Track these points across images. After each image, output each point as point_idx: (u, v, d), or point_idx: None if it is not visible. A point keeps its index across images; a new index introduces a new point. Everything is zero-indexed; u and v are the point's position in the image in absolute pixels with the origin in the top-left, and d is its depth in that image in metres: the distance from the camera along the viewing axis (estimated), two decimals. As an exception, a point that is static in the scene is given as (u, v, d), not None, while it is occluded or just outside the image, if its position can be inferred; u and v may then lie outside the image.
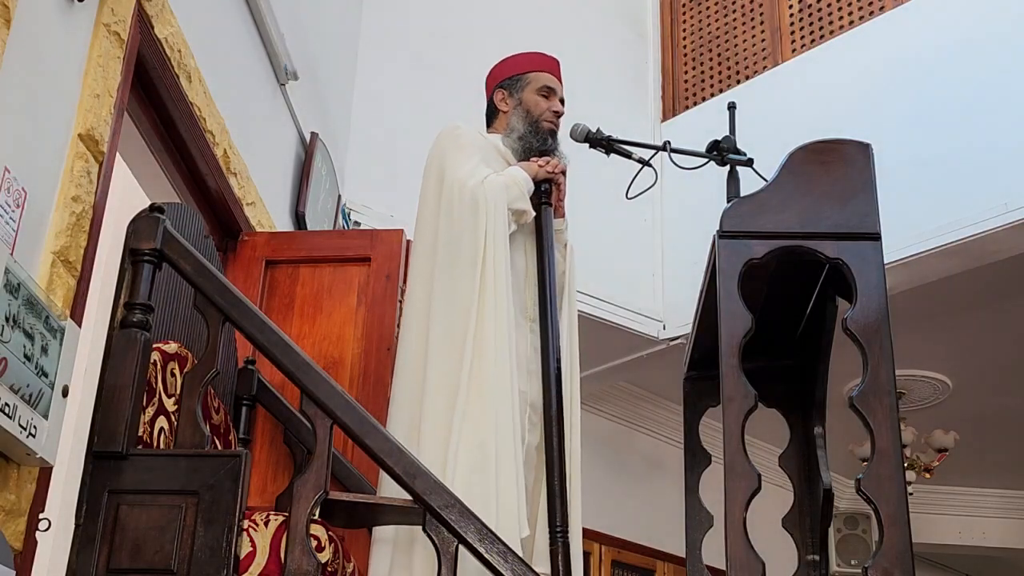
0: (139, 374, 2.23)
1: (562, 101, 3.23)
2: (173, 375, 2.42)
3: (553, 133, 3.17)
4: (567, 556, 2.69)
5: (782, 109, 5.35)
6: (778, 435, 2.59)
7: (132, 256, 2.32)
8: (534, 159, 3.09)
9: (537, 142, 3.13)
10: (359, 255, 3.56)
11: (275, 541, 2.18)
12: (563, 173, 3.12)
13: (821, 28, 5.62)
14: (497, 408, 2.69)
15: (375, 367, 3.36)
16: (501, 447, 2.66)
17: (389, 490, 2.64)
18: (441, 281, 2.87)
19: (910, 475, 6.69)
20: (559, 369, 2.88)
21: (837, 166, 2.19)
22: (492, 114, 3.25)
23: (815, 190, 2.18)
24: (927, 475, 6.89)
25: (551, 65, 3.25)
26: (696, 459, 2.56)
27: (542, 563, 2.73)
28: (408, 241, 3.59)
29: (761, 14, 5.94)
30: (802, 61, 5.61)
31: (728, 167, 2.62)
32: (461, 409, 2.70)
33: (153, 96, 2.89)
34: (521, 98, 3.18)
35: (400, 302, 3.46)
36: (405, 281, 3.52)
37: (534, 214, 3.02)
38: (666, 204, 5.66)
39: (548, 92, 3.20)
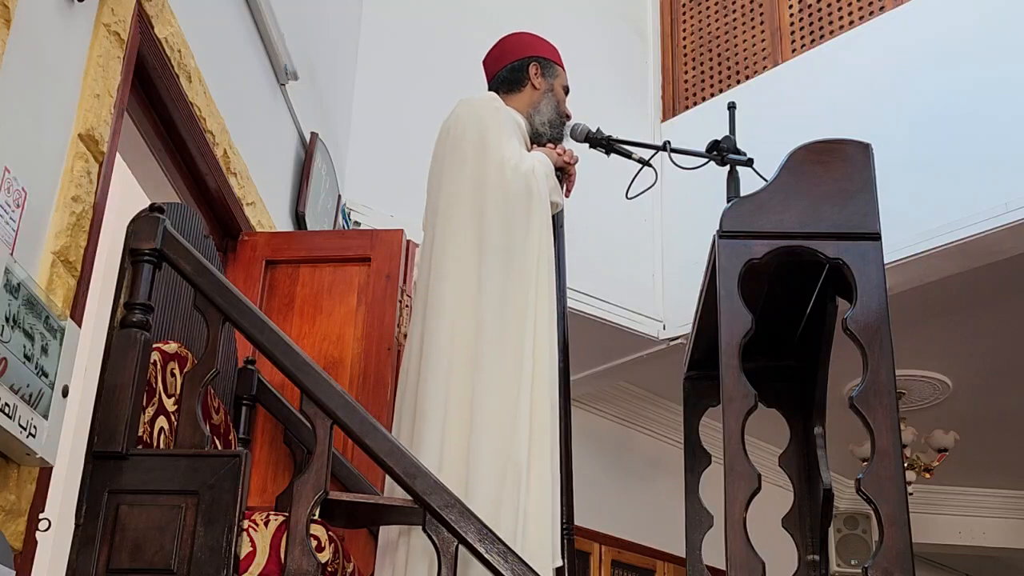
0: (139, 374, 2.23)
1: None
2: (173, 375, 2.42)
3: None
4: (571, 553, 2.68)
5: (782, 109, 5.35)
6: (778, 435, 2.59)
7: (132, 256, 2.32)
8: (550, 146, 3.05)
9: (560, 135, 3.11)
10: (359, 255, 3.56)
11: (275, 541, 2.18)
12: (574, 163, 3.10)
13: (821, 28, 5.62)
14: (554, 419, 2.66)
15: (375, 367, 3.36)
16: (544, 452, 2.61)
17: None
18: (494, 275, 2.73)
19: (910, 475, 6.70)
20: (566, 363, 2.85)
21: (837, 166, 2.20)
22: (518, 83, 3.13)
23: (815, 190, 2.18)
24: (927, 475, 6.89)
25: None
26: (696, 459, 2.57)
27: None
28: (408, 241, 3.59)
29: (761, 14, 5.94)
30: (802, 61, 5.60)
31: (728, 167, 2.62)
32: (528, 414, 2.61)
33: (153, 96, 2.89)
34: (553, 85, 3.15)
35: (400, 302, 3.46)
36: (406, 281, 3.52)
37: (562, 205, 2.99)
38: (666, 204, 5.65)
39: (567, 92, 3.20)
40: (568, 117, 3.16)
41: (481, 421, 2.59)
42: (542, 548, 2.49)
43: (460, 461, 2.55)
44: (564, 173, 3.04)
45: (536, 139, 3.08)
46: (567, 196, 3.09)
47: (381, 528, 2.70)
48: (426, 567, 2.48)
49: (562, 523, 2.68)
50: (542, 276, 2.76)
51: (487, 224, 2.78)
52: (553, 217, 2.95)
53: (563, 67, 3.21)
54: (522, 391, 2.62)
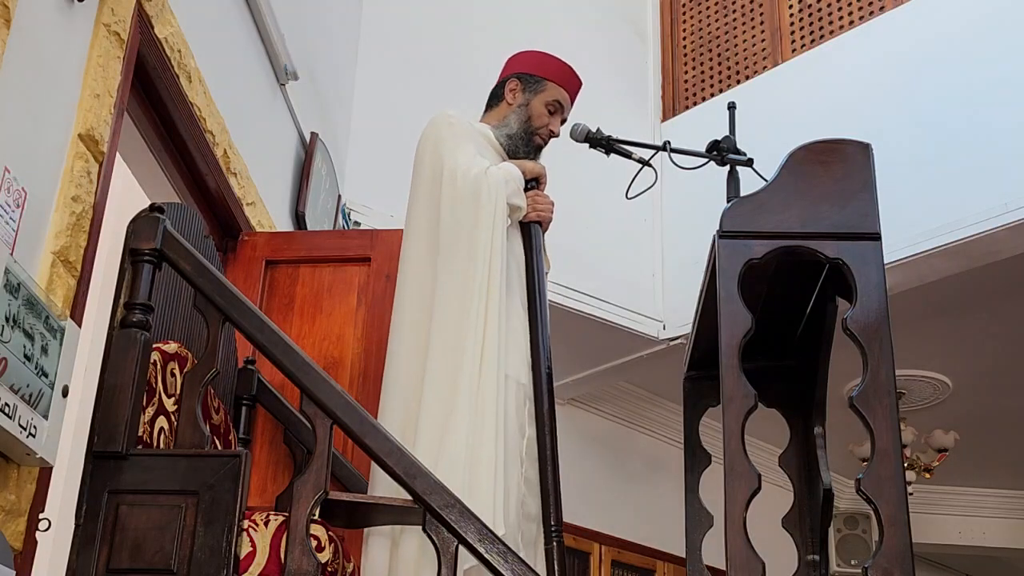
0: (139, 374, 2.23)
1: (563, 122, 3.19)
2: (173, 375, 2.42)
3: (539, 150, 3.15)
4: (562, 555, 2.68)
5: (782, 109, 5.35)
6: (778, 435, 2.59)
7: (132, 256, 2.32)
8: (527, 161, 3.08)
9: (524, 151, 3.10)
10: (359, 255, 3.56)
11: (275, 541, 2.18)
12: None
13: (821, 28, 5.63)
14: (484, 403, 2.69)
15: (375, 367, 3.36)
16: (481, 442, 2.65)
17: (382, 487, 2.65)
18: (443, 273, 2.84)
19: (910, 475, 6.70)
20: (550, 363, 2.87)
21: (837, 166, 2.19)
22: (496, 98, 3.19)
23: (815, 190, 2.18)
24: (927, 475, 6.89)
25: (572, 85, 3.20)
26: (696, 459, 2.56)
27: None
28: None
29: (761, 14, 5.94)
30: (802, 61, 5.61)
31: (728, 167, 2.62)
32: (455, 404, 2.70)
33: (153, 96, 2.89)
34: (530, 100, 3.14)
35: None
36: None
37: (526, 211, 3.02)
38: (666, 204, 5.66)
39: (555, 109, 3.15)
40: (545, 132, 3.14)
41: (421, 430, 2.71)
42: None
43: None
44: (537, 183, 3.06)
45: (509, 154, 3.10)
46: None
47: None
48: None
49: (550, 526, 2.69)
50: (492, 276, 2.80)
51: (440, 229, 2.89)
52: (527, 224, 2.99)
53: (559, 83, 3.16)
54: (462, 385, 2.70)
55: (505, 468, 2.67)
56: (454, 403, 2.69)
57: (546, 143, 3.17)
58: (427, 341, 2.80)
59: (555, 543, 2.68)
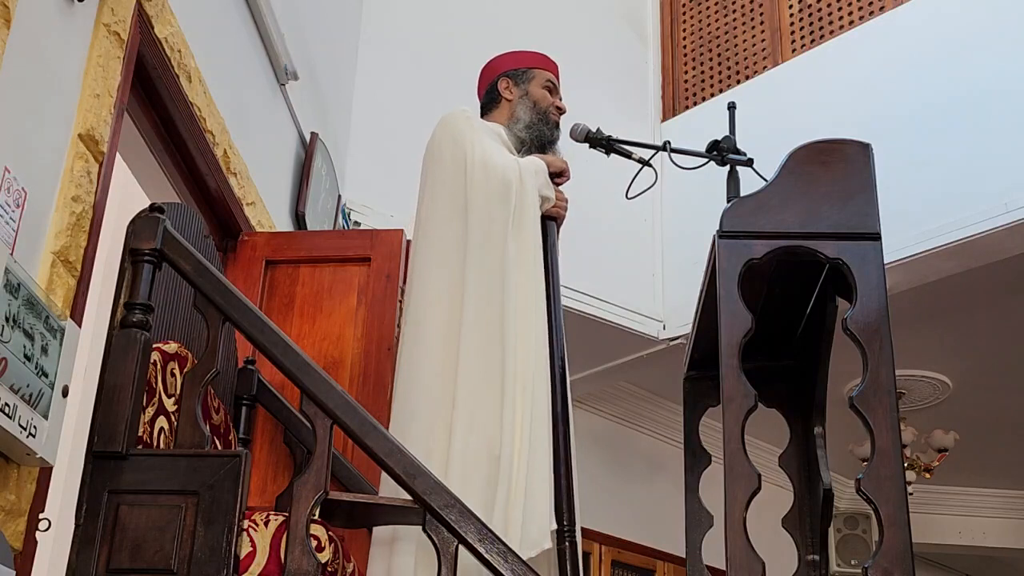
0: (139, 374, 2.23)
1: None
2: (173, 375, 2.42)
3: (557, 127, 3.18)
4: (575, 556, 2.68)
5: (782, 109, 5.35)
6: (778, 435, 2.59)
7: (132, 256, 2.32)
8: (548, 155, 3.09)
9: (548, 130, 3.13)
10: (359, 255, 3.56)
11: (275, 541, 2.18)
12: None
13: (821, 28, 5.62)
14: (537, 400, 2.68)
15: (375, 367, 3.36)
16: (540, 440, 2.65)
17: (389, 489, 2.63)
18: (475, 265, 2.81)
19: (910, 475, 6.69)
20: (564, 365, 2.85)
21: (837, 166, 2.19)
22: (493, 102, 3.21)
23: (815, 190, 2.18)
24: (927, 475, 6.89)
25: (553, 67, 3.28)
26: (696, 459, 2.56)
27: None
28: (409, 241, 3.59)
29: (761, 14, 5.94)
30: (802, 61, 5.61)
31: (728, 167, 2.62)
32: (511, 397, 2.67)
33: (153, 96, 2.89)
34: (528, 89, 3.18)
35: (401, 301, 3.46)
36: (405, 280, 3.52)
37: (555, 201, 3.02)
38: (666, 204, 5.65)
39: (552, 87, 3.22)
40: (555, 110, 3.18)
41: (462, 424, 2.65)
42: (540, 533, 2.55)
43: (442, 466, 2.56)
44: (560, 176, 3.08)
45: (525, 146, 3.10)
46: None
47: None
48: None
49: (563, 526, 2.68)
50: (528, 266, 2.80)
51: (468, 223, 2.85)
52: (543, 219, 2.98)
53: (543, 67, 3.24)
54: (506, 386, 2.67)
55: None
56: (502, 403, 2.65)
57: (559, 119, 3.20)
58: (458, 347, 2.75)
59: (568, 543, 2.67)
